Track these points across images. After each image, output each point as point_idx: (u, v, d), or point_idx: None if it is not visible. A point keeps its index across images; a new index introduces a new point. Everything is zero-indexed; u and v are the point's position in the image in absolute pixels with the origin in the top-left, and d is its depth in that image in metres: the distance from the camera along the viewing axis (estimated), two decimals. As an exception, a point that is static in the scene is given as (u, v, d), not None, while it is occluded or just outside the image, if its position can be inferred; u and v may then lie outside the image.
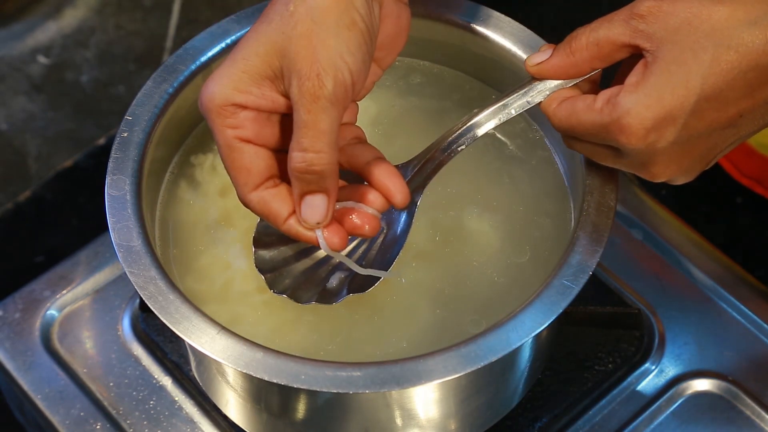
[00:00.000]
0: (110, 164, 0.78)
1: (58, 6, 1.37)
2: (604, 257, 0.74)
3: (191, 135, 0.86)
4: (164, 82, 0.82)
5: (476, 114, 0.75)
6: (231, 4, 1.39)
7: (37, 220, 1.16)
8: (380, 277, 0.75)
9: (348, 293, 0.75)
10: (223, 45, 0.84)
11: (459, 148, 0.76)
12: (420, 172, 0.76)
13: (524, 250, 0.81)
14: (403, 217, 0.77)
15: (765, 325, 0.93)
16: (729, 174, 1.07)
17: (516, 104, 0.75)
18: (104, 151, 1.17)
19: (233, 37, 0.84)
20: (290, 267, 0.77)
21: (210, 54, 0.83)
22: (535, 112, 0.86)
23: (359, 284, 0.75)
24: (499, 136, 0.86)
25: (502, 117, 0.75)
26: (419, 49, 0.88)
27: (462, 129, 0.75)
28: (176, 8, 1.38)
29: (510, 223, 0.82)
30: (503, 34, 0.83)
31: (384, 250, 0.76)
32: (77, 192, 1.17)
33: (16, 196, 1.17)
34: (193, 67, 0.83)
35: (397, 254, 0.76)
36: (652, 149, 0.68)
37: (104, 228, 0.76)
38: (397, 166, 0.77)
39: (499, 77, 0.86)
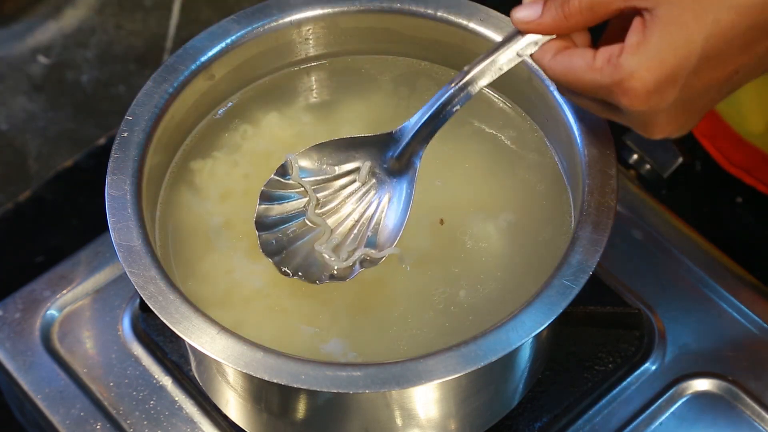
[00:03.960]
0: (110, 164, 0.78)
1: (58, 6, 1.37)
2: (604, 257, 0.74)
3: (190, 136, 0.86)
4: (164, 82, 0.82)
5: (467, 73, 0.74)
6: (231, 4, 1.39)
7: (37, 220, 1.16)
8: (391, 247, 0.76)
9: (361, 268, 0.75)
10: (223, 45, 0.84)
11: (453, 109, 0.75)
12: (416, 137, 0.76)
13: (524, 250, 0.81)
14: (404, 185, 0.76)
15: (765, 325, 0.93)
16: (718, 164, 1.07)
17: (506, 59, 0.73)
18: (104, 151, 1.17)
19: (233, 37, 0.84)
20: (296, 247, 0.77)
21: (210, 54, 0.83)
22: (534, 111, 0.86)
23: (370, 258, 0.76)
24: (498, 135, 0.86)
25: (494, 73, 0.74)
26: (419, 50, 0.88)
27: (454, 89, 0.75)
28: (176, 8, 1.38)
29: (509, 223, 0.82)
30: (503, 34, 0.83)
31: (389, 220, 0.76)
32: (77, 192, 1.17)
33: (16, 196, 1.17)
34: (193, 67, 0.83)
35: (402, 225, 0.75)
36: (654, 110, 0.69)
37: (104, 228, 0.76)
38: (390, 133, 0.76)
39: (500, 77, 0.86)
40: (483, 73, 0.74)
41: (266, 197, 0.78)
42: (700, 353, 0.92)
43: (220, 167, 0.85)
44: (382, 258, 0.76)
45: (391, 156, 0.77)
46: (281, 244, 0.77)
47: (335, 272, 0.76)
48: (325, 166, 0.79)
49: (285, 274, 0.76)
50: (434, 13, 0.85)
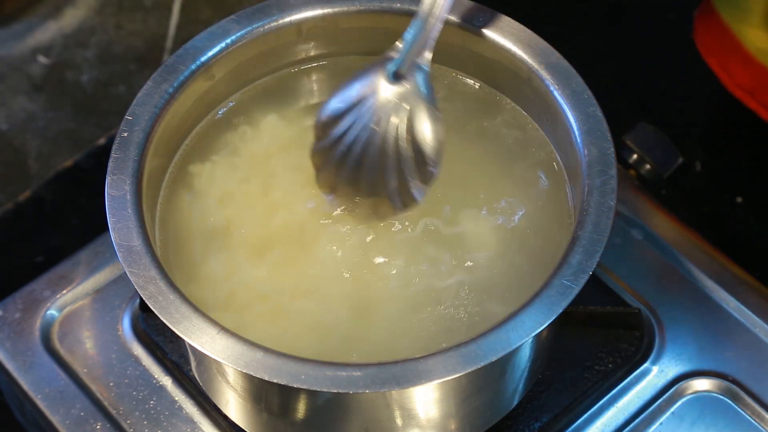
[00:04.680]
0: (110, 164, 0.78)
1: (58, 6, 1.37)
2: (604, 257, 0.74)
3: (190, 137, 0.86)
4: (164, 82, 0.82)
5: None
6: (231, 4, 1.39)
7: (37, 220, 1.16)
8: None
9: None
10: (223, 45, 0.84)
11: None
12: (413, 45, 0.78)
13: (524, 250, 0.81)
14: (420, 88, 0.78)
15: (765, 325, 0.93)
16: (723, 84, 1.06)
17: None
18: (104, 151, 1.17)
19: (233, 37, 0.84)
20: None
21: (210, 54, 0.83)
22: (534, 111, 0.86)
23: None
24: (499, 135, 0.86)
25: None
26: (419, 49, 0.88)
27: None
28: (176, 8, 1.38)
29: (509, 223, 0.82)
30: (503, 34, 0.83)
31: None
32: (77, 192, 1.17)
33: (16, 196, 1.17)
34: (193, 67, 0.83)
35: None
36: None
37: (104, 228, 0.76)
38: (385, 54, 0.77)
39: (499, 77, 0.86)
40: None
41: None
42: (700, 353, 0.92)
43: (218, 170, 0.85)
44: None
45: (395, 70, 0.78)
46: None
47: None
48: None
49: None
50: (434, 13, 0.85)
